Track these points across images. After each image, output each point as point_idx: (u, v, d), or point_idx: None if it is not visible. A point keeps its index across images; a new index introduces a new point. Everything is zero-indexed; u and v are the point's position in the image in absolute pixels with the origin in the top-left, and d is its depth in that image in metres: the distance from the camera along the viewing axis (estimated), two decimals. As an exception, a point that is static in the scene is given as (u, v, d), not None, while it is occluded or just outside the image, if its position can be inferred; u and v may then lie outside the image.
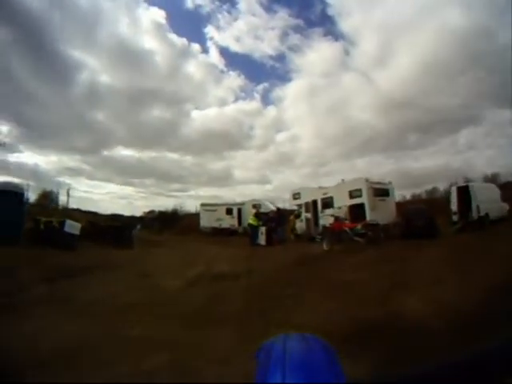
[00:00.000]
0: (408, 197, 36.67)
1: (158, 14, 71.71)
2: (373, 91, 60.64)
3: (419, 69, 54.47)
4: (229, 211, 29.86)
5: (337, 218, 15.39)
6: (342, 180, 19.15)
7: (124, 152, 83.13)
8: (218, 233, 28.63)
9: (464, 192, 17.13)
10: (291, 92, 71.98)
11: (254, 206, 26.34)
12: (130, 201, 74.01)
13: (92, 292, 7.61)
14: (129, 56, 61.82)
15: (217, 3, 74.20)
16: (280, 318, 5.48)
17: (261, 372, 0.79)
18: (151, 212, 46.44)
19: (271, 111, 71.09)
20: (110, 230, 18.27)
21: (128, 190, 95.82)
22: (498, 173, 30.92)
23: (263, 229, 19.63)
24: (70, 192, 32.92)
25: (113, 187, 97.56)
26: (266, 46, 72.87)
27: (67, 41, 66.59)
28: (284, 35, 75.46)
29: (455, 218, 17.31)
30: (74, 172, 76.32)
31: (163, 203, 78.15)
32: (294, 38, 66.76)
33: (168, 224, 35.85)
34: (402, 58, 56.79)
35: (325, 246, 14.35)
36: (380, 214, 16.05)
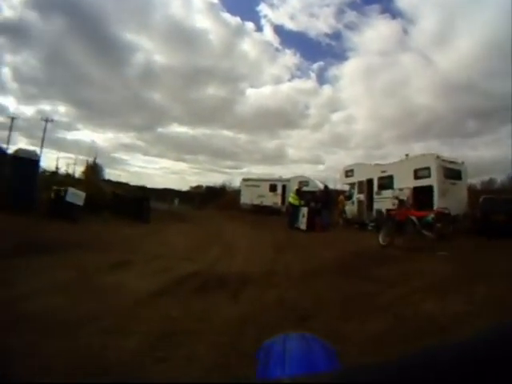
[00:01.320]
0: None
1: None
2: (432, 73, 56.52)
3: (483, 49, 49.50)
4: (272, 188, 27.39)
5: (401, 202, 12.16)
6: (406, 155, 16.29)
7: (178, 129, 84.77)
8: (259, 210, 26.23)
9: None
10: (347, 71, 69.37)
11: (301, 183, 23.98)
12: (183, 176, 75.53)
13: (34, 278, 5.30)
14: (182, 36, 61.89)
15: None
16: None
17: (261, 372, 0.79)
18: (198, 187, 46.57)
19: (327, 90, 69.18)
20: (129, 202, 16.84)
21: (181, 165, 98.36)
22: None
23: (305, 210, 15.98)
24: (126, 167, 32.99)
25: (167, 162, 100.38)
26: (321, 24, 69.83)
27: (121, 23, 67.09)
28: (340, 12, 71.66)
29: None
30: (130, 148, 78.95)
31: (215, 179, 78.24)
32: (351, 16, 63.39)
33: (211, 199, 35.19)
34: (464, 38, 51.78)
35: (381, 240, 10.92)
36: (450, 201, 13.41)
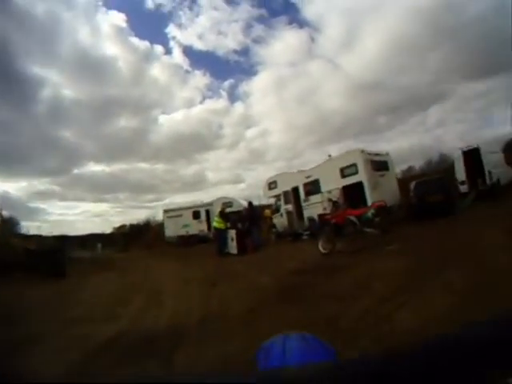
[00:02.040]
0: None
1: (118, 18, 68.20)
2: (341, 77, 59.62)
3: (387, 49, 53.66)
4: (195, 214, 25.33)
5: (336, 204, 11.40)
6: (329, 156, 15.57)
7: (94, 168, 79.62)
8: (186, 241, 23.98)
9: (472, 156, 14.69)
10: (258, 86, 70.23)
11: (224, 205, 22.42)
12: (106, 218, 70.59)
13: None
14: (91, 66, 58.31)
15: (177, 0, 70.46)
16: None
17: None
18: (122, 227, 43.10)
19: (239, 108, 69.09)
20: (42, 256, 13.99)
21: (103, 206, 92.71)
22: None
23: (233, 232, 14.59)
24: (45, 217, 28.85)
25: (87, 206, 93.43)
26: (229, 41, 70.27)
27: (25, 56, 60.95)
28: (247, 27, 72.79)
29: (463, 188, 14.91)
30: (46, 195, 71.30)
31: (139, 216, 73.54)
32: (258, 30, 64.78)
33: (137, 238, 33.23)
34: (369, 40, 55.85)
35: (321, 248, 9.84)
36: (383, 193, 12.92)
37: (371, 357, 0.49)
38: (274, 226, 18.06)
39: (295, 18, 77.12)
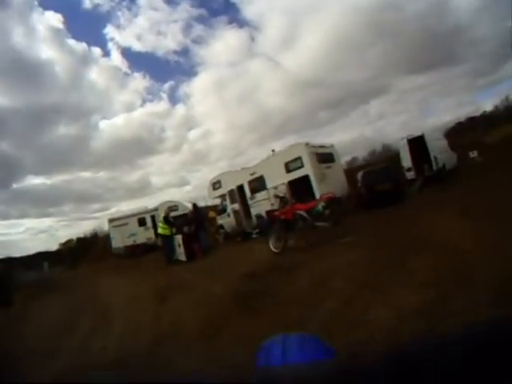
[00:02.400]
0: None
1: (55, 18, 64.33)
2: (282, 75, 59.90)
3: (327, 46, 54.36)
4: (141, 222, 23.63)
5: (283, 200, 10.56)
6: (273, 151, 14.87)
7: (35, 181, 74.94)
8: (134, 251, 22.32)
9: (417, 144, 14.73)
10: (198, 86, 69.17)
11: (169, 209, 21.02)
12: (52, 233, 66.43)
13: None
14: (26, 71, 53.76)
15: (116, 0, 67.42)
16: None
17: None
18: (69, 242, 41.22)
19: (180, 110, 67.91)
20: None
21: (47, 221, 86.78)
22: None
23: (179, 238, 13.50)
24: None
25: (31, 222, 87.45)
26: (169, 42, 68.63)
27: None
28: (187, 27, 71.46)
29: (410, 175, 14.90)
30: None
31: (86, 228, 69.62)
32: (198, 30, 63.68)
33: (84, 252, 32.00)
34: (309, 38, 56.37)
35: (273, 246, 9.32)
36: (331, 185, 12.49)
37: (372, 354, 0.50)
38: (221, 226, 17.22)
39: (235, 18, 76.69)
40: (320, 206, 9.42)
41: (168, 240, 13.74)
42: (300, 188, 12.85)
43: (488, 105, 77.80)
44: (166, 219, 14.20)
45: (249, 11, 70.68)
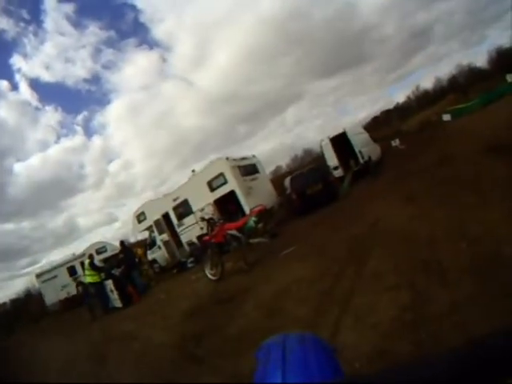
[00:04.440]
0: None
1: None
2: (196, 93, 59.43)
3: (239, 59, 54.76)
4: (71, 271, 21.12)
5: (211, 222, 9.48)
6: (193, 171, 13.84)
7: None
8: (70, 305, 19.68)
9: (340, 141, 14.56)
10: (113, 115, 66.25)
11: (97, 252, 19.00)
12: None
13: None
14: None
15: (22, 25, 62.41)
16: None
17: (260, 372, 0.78)
18: (2, 306, 37.06)
19: (97, 142, 64.72)
20: None
21: None
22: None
23: (110, 283, 11.77)
24: None
25: None
26: (79, 69, 65.09)
27: None
28: (97, 52, 68.56)
29: (337, 173, 14.63)
30: None
31: (20, 287, 62.84)
32: (108, 54, 61.21)
33: (21, 314, 29.06)
34: (220, 53, 56.69)
35: (210, 274, 8.52)
36: (259, 197, 11.92)
37: (382, 373, 0.50)
38: (154, 261, 15.77)
39: (145, 39, 75.40)
40: (251, 222, 8.53)
41: (99, 288, 12.03)
42: (228, 205, 12.17)
43: (400, 97, 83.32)
44: (92, 264, 12.40)
45: (158, 30, 70.13)
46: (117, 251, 17.53)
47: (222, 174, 12.29)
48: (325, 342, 0.85)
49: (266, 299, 5.30)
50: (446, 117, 23.53)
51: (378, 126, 39.00)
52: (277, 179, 18.89)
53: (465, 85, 44.31)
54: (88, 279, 12.34)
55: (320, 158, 16.51)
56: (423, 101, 50.16)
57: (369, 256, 4.95)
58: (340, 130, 14.76)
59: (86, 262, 13.30)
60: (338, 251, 5.88)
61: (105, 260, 17.26)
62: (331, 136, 14.97)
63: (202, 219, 10.14)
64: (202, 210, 12.43)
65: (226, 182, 12.23)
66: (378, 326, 3.13)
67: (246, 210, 11.11)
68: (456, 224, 4.65)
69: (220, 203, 12.38)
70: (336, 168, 14.56)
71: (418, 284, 3.54)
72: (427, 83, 76.77)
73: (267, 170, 27.31)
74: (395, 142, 19.26)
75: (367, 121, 54.42)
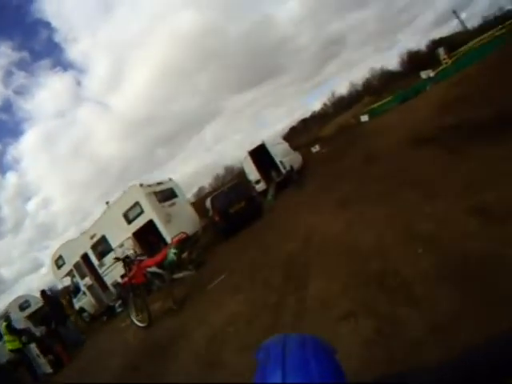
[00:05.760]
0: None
1: None
2: (113, 117, 57.65)
3: (156, 79, 53.96)
4: None
5: (127, 260, 8.52)
6: (107, 203, 12.65)
7: None
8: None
9: (259, 154, 14.44)
10: (28, 147, 61.87)
11: (20, 307, 17.02)
12: None
13: None
14: None
15: None
16: None
17: (260, 372, 0.76)
18: None
19: (12, 178, 59.95)
20: None
21: None
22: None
23: (34, 347, 10.14)
24: None
25: None
26: None
27: None
28: (7, 76, 63.65)
29: (260, 186, 14.54)
30: None
31: None
32: (20, 77, 57.13)
33: None
34: (137, 74, 55.51)
35: (136, 321, 7.57)
36: (180, 224, 11.23)
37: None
38: (82, 309, 14.28)
39: (60, 60, 71.98)
40: (171, 254, 7.77)
41: (23, 355, 10.29)
42: (149, 237, 11.27)
43: (317, 105, 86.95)
44: (9, 328, 10.63)
45: (73, 51, 67.44)
46: (41, 304, 15.86)
47: (137, 203, 11.36)
48: (326, 342, 0.83)
49: (201, 347, 4.65)
50: (364, 118, 24.63)
51: (296, 135, 40.33)
52: (200, 201, 18.30)
53: (379, 86, 47.10)
54: (8, 346, 10.53)
55: (242, 174, 16.25)
56: (339, 106, 52.77)
57: (309, 277, 4.44)
58: (259, 141, 14.58)
59: (3, 325, 11.41)
60: (272, 275, 5.35)
61: (29, 316, 15.69)
62: (250, 150, 14.71)
63: (117, 259, 9.22)
64: (122, 245, 11.39)
65: (142, 212, 11.31)
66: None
67: (168, 239, 10.32)
68: (402, 224, 4.29)
69: (140, 235, 11.44)
70: (258, 182, 14.38)
71: (378, 306, 2.97)
72: (342, 89, 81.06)
73: (190, 192, 26.55)
74: (315, 148, 19.64)
75: (286, 131, 55.95)
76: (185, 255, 8.18)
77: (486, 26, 38.40)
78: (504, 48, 11.30)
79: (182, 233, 9.27)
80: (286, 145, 16.60)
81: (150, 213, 11.11)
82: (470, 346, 0.46)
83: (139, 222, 11.34)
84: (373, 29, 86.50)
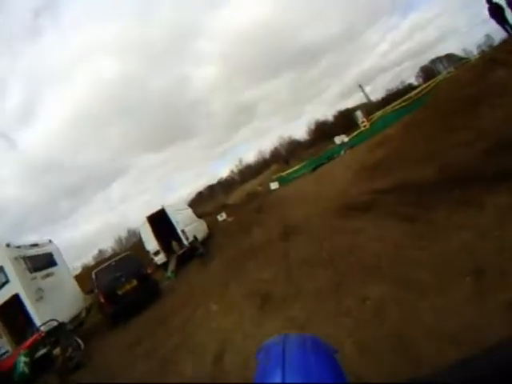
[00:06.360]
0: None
1: None
2: (18, 156, 52.09)
3: (68, 124, 50.37)
4: None
5: None
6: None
7: None
8: None
9: (159, 220, 12.51)
10: None
11: None
12: None
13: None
14: None
15: None
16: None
17: (260, 372, 0.78)
18: None
19: None
20: None
21: None
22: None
23: None
24: None
25: None
26: None
27: None
28: None
29: (159, 258, 12.59)
30: None
31: None
32: None
33: None
34: (50, 110, 51.06)
35: None
36: (57, 302, 9.03)
37: None
38: None
39: None
40: (21, 365, 5.98)
41: None
42: (14, 316, 8.54)
43: (224, 171, 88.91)
44: None
45: None
46: None
47: (1, 269, 8.64)
48: (326, 343, 0.83)
49: None
50: (274, 185, 24.76)
51: (202, 201, 40.33)
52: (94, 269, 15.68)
53: (286, 155, 49.53)
54: None
55: (140, 241, 14.17)
56: (246, 173, 54.34)
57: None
58: (159, 206, 12.87)
59: None
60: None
61: None
62: (148, 215, 12.89)
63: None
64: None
65: (7, 281, 8.56)
66: None
67: (37, 322, 7.90)
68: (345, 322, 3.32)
69: (5, 314, 8.63)
70: (157, 253, 12.49)
71: None
72: (250, 157, 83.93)
73: (89, 254, 23.58)
74: (222, 216, 18.91)
75: (192, 196, 55.59)
76: (57, 351, 6.57)
77: (389, 97, 43.38)
78: (416, 111, 11.08)
79: (50, 321, 7.51)
80: (189, 211, 15.32)
81: (15, 284, 8.48)
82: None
83: (3, 295, 8.57)
84: (283, 99, 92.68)
